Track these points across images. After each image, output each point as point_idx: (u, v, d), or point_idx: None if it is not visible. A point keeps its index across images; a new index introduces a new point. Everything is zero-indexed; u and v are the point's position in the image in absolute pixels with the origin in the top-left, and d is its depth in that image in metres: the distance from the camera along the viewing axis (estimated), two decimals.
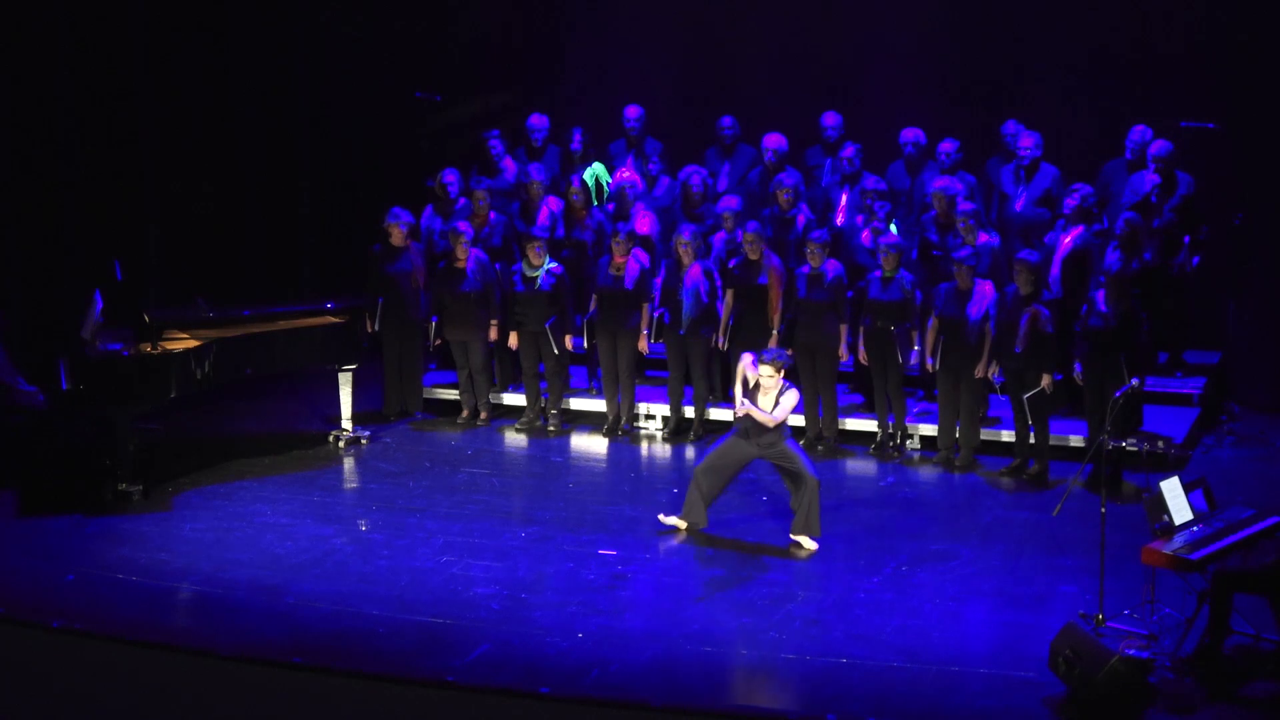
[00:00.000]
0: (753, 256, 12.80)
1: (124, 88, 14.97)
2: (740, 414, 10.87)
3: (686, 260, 12.91)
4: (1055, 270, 12.64)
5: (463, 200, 13.97)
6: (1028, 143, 13.34)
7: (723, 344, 13.00)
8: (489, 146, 14.48)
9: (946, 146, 13.55)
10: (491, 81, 16.04)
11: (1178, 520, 9.32)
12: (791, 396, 10.81)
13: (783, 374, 10.82)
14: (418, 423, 13.73)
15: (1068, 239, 12.72)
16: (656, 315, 13.19)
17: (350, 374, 13.08)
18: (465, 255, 13.29)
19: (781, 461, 10.93)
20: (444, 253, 13.61)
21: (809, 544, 10.83)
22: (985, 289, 12.22)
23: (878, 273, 12.59)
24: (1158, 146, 13.05)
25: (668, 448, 13.18)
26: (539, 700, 8.76)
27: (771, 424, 10.78)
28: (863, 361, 12.81)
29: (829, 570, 10.53)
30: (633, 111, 14.54)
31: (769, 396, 10.80)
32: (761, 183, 13.96)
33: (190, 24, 15.36)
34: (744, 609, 9.90)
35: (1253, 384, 13.74)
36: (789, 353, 11.38)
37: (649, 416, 13.51)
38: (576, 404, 13.78)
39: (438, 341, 13.77)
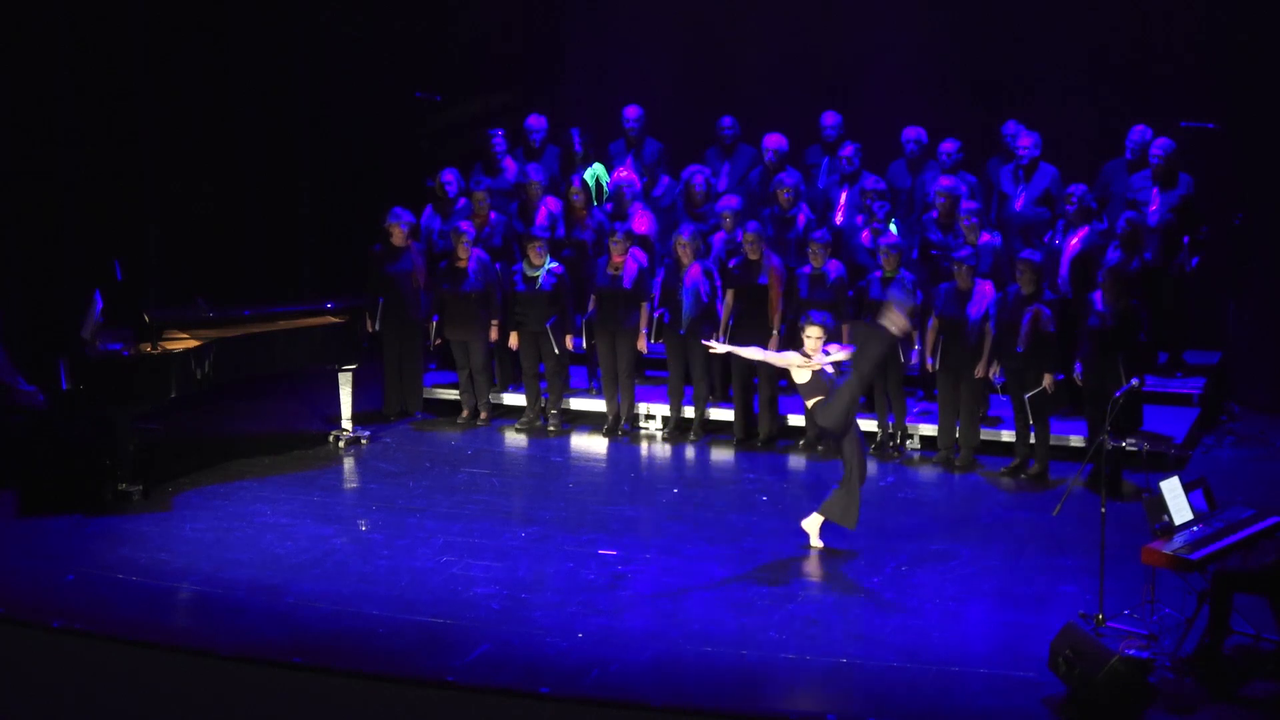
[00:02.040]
0: (753, 256, 12.79)
1: (124, 88, 14.95)
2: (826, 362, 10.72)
3: (686, 260, 12.91)
4: (1064, 271, 12.66)
5: (463, 200, 13.97)
6: (1026, 142, 13.34)
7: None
8: (492, 144, 14.47)
9: (948, 146, 13.55)
10: (491, 81, 16.03)
11: (1178, 520, 9.32)
12: (835, 351, 10.76)
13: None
14: (418, 423, 13.73)
15: (1075, 240, 12.73)
16: (656, 315, 13.19)
17: (350, 374, 13.08)
18: (467, 255, 13.29)
19: (847, 441, 10.75)
20: (444, 252, 13.62)
21: (816, 540, 10.77)
22: (985, 289, 12.22)
23: (878, 273, 12.59)
24: (1160, 145, 13.05)
25: (668, 448, 13.17)
26: (539, 700, 8.75)
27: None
28: None
29: (829, 570, 10.52)
30: (632, 112, 14.53)
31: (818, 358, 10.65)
32: (761, 183, 13.96)
33: (190, 24, 15.34)
34: (744, 609, 9.89)
35: (1253, 384, 13.74)
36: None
37: (649, 416, 13.51)
38: (576, 404, 13.77)
39: (438, 341, 13.77)
